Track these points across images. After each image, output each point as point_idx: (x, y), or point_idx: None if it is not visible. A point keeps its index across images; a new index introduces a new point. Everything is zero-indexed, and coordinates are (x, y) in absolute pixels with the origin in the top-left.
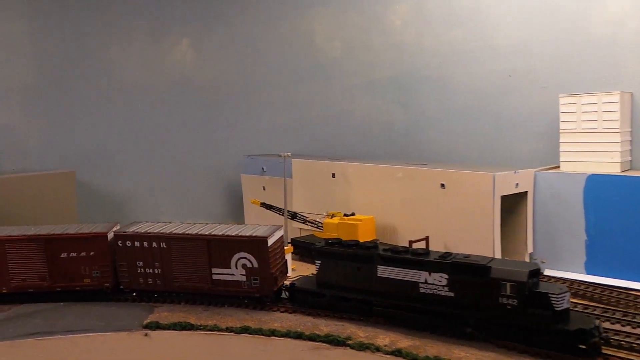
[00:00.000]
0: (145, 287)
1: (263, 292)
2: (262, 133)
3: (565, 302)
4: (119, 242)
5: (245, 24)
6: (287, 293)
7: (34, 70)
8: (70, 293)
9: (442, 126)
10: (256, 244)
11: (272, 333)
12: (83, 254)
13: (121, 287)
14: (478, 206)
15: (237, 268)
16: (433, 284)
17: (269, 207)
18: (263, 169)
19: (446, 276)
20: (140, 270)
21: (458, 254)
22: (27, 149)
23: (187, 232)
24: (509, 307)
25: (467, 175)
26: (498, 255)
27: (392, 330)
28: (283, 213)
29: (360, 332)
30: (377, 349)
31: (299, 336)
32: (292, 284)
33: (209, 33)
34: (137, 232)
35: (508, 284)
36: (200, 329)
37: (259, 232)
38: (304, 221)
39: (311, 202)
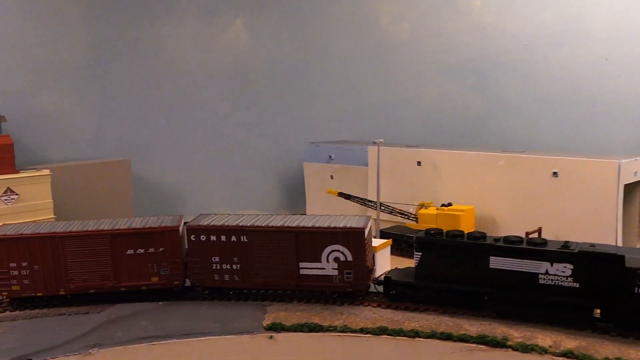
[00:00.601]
0: (221, 285)
1: (357, 287)
2: (321, 120)
3: None
4: (192, 236)
5: (304, 3)
6: (377, 287)
7: (85, 51)
8: (134, 293)
9: (523, 113)
10: (352, 236)
11: (416, 334)
12: (151, 249)
13: (192, 284)
14: (599, 196)
15: (328, 262)
16: (555, 275)
17: (348, 196)
18: (330, 156)
19: (571, 266)
20: (216, 267)
21: (581, 243)
22: (78, 136)
23: (271, 225)
24: None
25: (587, 163)
26: None
27: (548, 330)
28: (365, 203)
29: (513, 332)
30: (544, 351)
31: (448, 337)
32: (387, 277)
33: (265, 13)
34: (214, 226)
35: None
36: (331, 330)
37: (351, 223)
38: (391, 212)
39: (392, 192)
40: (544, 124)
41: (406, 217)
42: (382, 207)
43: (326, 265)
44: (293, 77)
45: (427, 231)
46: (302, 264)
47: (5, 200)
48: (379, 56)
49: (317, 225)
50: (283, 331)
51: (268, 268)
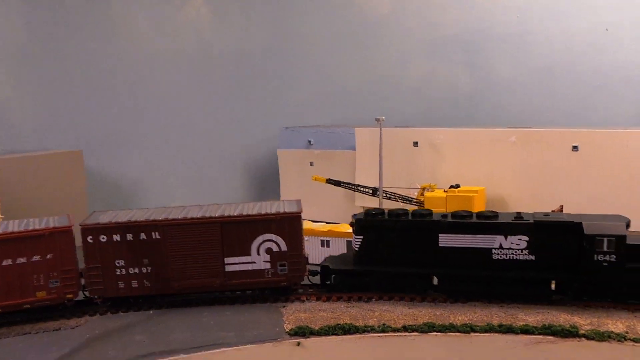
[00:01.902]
0: (127, 293)
1: (292, 280)
2: (296, 105)
3: None
4: (89, 237)
5: None
6: (310, 279)
7: (24, 31)
8: (12, 314)
9: (517, 88)
10: (287, 222)
11: (471, 329)
12: (36, 257)
13: (90, 296)
14: (626, 170)
15: (259, 254)
16: (510, 249)
17: (337, 183)
18: (310, 141)
19: (526, 238)
20: (121, 272)
21: (535, 213)
22: (20, 127)
23: (190, 216)
24: (605, 264)
25: (612, 134)
26: None
27: (615, 314)
28: (358, 189)
29: (577, 319)
30: (623, 337)
31: (508, 330)
32: (324, 266)
33: None
34: (117, 223)
35: (605, 239)
36: (368, 331)
37: (283, 208)
38: (389, 197)
39: (386, 176)
40: (540, 100)
41: (408, 202)
42: (378, 194)
43: (257, 259)
44: (263, 59)
45: (368, 212)
46: (228, 259)
47: None
48: (358, 34)
49: (245, 212)
50: (312, 336)
51: (187, 268)
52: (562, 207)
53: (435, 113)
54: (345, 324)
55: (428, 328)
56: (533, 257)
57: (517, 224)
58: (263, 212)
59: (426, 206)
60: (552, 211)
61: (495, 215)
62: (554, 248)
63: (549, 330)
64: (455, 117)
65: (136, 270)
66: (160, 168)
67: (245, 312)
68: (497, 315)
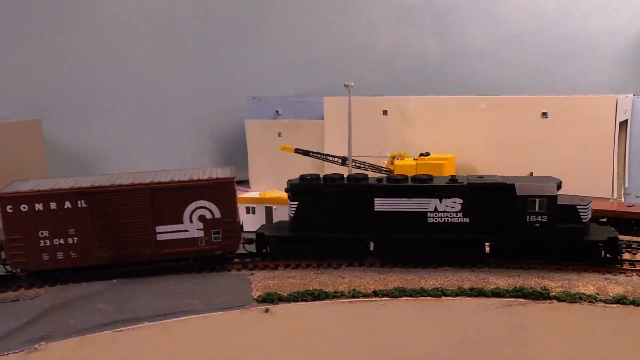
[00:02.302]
0: (52, 266)
1: (228, 248)
2: (261, 74)
3: (589, 213)
4: (9, 207)
5: None
6: (245, 247)
7: None
8: None
9: (487, 57)
10: (220, 188)
11: (442, 292)
12: None
13: (12, 270)
14: (595, 135)
15: (192, 222)
16: (444, 212)
17: (306, 153)
18: (277, 111)
19: (460, 200)
20: (45, 243)
21: (469, 175)
22: None
23: (118, 183)
24: (537, 224)
25: (581, 100)
26: (615, 190)
27: (586, 276)
28: (326, 159)
29: (548, 282)
30: (594, 299)
31: (480, 293)
32: (259, 234)
33: None
34: (40, 191)
35: (537, 200)
36: (338, 297)
37: (216, 174)
38: (358, 166)
39: (356, 145)
40: (511, 67)
41: (378, 170)
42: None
43: (190, 227)
44: (229, 25)
45: (303, 177)
46: (160, 228)
47: None
48: (328, 2)
49: (176, 179)
50: (281, 302)
51: (116, 238)
52: (531, 173)
53: (404, 82)
54: (315, 290)
55: (399, 293)
56: (467, 220)
57: (451, 187)
58: (195, 178)
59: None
60: (530, 173)
61: (430, 178)
62: (488, 210)
63: (520, 293)
64: (425, 86)
65: (61, 241)
66: (123, 138)
67: (213, 280)
68: (467, 279)
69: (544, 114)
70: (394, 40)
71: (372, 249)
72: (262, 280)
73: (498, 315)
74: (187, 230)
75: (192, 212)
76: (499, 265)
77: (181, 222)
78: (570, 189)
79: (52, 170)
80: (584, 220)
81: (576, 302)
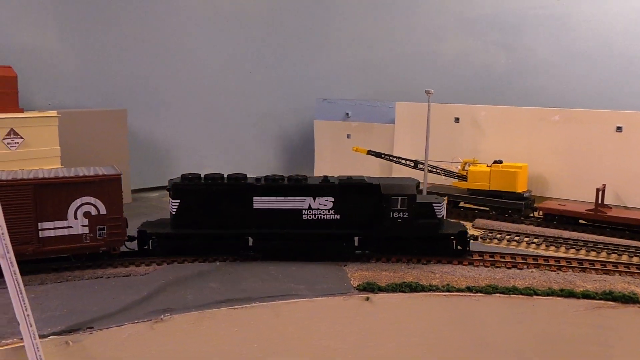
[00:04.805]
0: None
1: (112, 245)
2: (328, 76)
3: (443, 210)
4: None
5: None
6: (127, 245)
7: None
8: None
9: (554, 71)
10: (107, 184)
11: (534, 292)
12: None
13: None
14: None
15: (76, 218)
16: (318, 209)
17: (378, 155)
18: (347, 114)
19: (332, 199)
20: None
21: (340, 176)
22: (63, 82)
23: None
24: (399, 220)
25: None
26: None
27: None
28: (399, 162)
29: (634, 288)
30: None
31: (570, 294)
32: (141, 231)
33: None
34: None
35: (399, 198)
36: (433, 290)
37: (102, 171)
38: (430, 170)
39: (423, 150)
40: (579, 83)
41: (450, 175)
42: (420, 167)
43: (74, 223)
44: (300, 26)
45: (184, 176)
46: (42, 225)
47: (9, 144)
48: (394, 7)
49: (60, 175)
50: (380, 292)
51: None
52: (604, 186)
53: (467, 91)
54: (412, 282)
55: (492, 290)
56: (338, 217)
57: (324, 186)
58: (81, 174)
59: (469, 180)
60: (597, 189)
61: (305, 178)
62: (356, 207)
63: (609, 296)
64: (490, 96)
65: None
66: (193, 131)
67: (310, 268)
68: (555, 281)
69: (619, 128)
70: (458, 50)
71: (250, 244)
72: (357, 271)
73: (587, 316)
74: (71, 227)
75: (77, 208)
76: (620, 273)
77: (65, 218)
78: None
79: (132, 159)
80: (438, 217)
81: None
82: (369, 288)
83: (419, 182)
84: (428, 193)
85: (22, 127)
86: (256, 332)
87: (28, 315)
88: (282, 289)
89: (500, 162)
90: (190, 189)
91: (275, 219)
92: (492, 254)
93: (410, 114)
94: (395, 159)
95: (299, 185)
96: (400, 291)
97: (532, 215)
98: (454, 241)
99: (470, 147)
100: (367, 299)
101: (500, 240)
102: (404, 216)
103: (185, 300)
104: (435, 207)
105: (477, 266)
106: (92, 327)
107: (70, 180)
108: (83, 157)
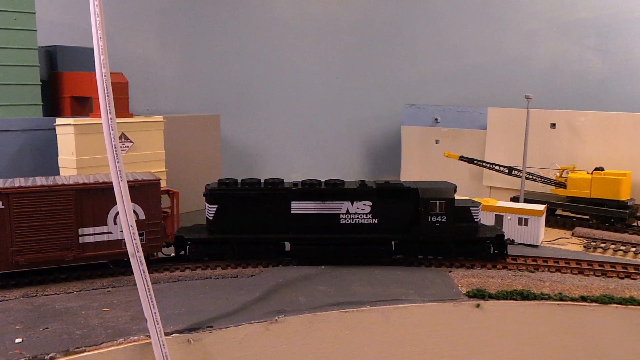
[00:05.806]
0: None
1: (149, 250)
2: (417, 82)
3: (480, 213)
4: None
5: None
6: (162, 250)
7: None
8: None
9: None
10: (146, 190)
11: None
12: None
13: None
14: None
15: (115, 224)
16: (356, 213)
17: (470, 160)
18: (436, 119)
19: (370, 203)
20: None
21: (377, 180)
22: (162, 88)
23: (39, 184)
24: (437, 224)
25: None
26: None
27: None
28: (493, 167)
29: None
30: None
31: None
32: (178, 237)
33: None
34: None
35: (438, 202)
36: (545, 299)
37: (141, 176)
38: (526, 177)
39: (519, 157)
40: None
41: (547, 182)
42: (515, 173)
43: (113, 228)
44: (387, 34)
45: (221, 181)
46: (82, 230)
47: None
48: (486, 11)
49: (100, 181)
50: (490, 299)
51: (35, 240)
52: None
53: (562, 97)
54: (523, 290)
55: (608, 300)
56: (376, 221)
57: (362, 190)
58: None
59: (569, 187)
60: None
61: (342, 183)
62: (394, 211)
63: None
64: (585, 102)
65: None
66: (282, 137)
67: (416, 273)
68: None
69: None
70: (552, 55)
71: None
72: (463, 278)
73: None
74: (110, 233)
75: (117, 213)
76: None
77: (105, 224)
78: None
79: (224, 163)
80: (475, 220)
81: None
82: (479, 295)
83: (455, 186)
84: (525, 200)
85: (132, 132)
86: (367, 335)
87: (155, 313)
88: (392, 294)
89: (602, 169)
90: (228, 194)
91: (312, 223)
92: (601, 263)
93: (503, 119)
94: (488, 165)
95: (337, 190)
96: (511, 299)
97: (635, 224)
98: (491, 245)
99: (566, 153)
100: (478, 305)
101: (604, 249)
102: (442, 220)
103: (297, 303)
104: (472, 211)
105: (587, 275)
106: (212, 326)
107: (110, 186)
108: (180, 160)
